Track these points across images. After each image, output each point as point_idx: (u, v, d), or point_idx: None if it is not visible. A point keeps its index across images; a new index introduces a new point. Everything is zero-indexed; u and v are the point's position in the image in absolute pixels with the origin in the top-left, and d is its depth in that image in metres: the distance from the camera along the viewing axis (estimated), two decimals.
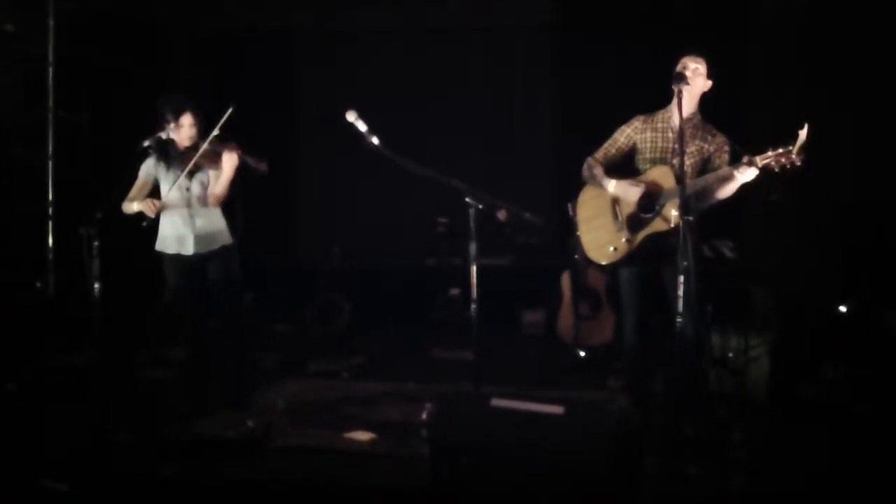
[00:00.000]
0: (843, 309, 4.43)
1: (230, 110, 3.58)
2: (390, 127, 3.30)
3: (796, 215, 4.88)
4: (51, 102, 5.43)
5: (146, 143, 3.53)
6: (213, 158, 3.68)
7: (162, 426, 3.56)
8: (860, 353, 4.24)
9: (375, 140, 3.18)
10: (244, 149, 3.69)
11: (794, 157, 3.07)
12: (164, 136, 3.56)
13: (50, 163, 5.42)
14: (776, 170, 3.13)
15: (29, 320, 4.95)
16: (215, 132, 3.62)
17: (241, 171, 3.70)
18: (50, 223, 5.38)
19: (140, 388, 4.54)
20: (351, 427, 3.69)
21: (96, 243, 3.37)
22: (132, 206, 3.66)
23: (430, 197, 5.18)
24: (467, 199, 3.14)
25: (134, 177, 3.72)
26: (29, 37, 5.33)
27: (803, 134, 3.04)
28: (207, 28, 6.83)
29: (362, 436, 3.59)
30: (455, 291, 6.23)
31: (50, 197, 5.41)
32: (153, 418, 3.74)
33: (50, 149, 5.44)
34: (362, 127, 3.18)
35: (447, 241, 6.29)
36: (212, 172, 3.75)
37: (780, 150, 3.09)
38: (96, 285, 3.39)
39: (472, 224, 3.16)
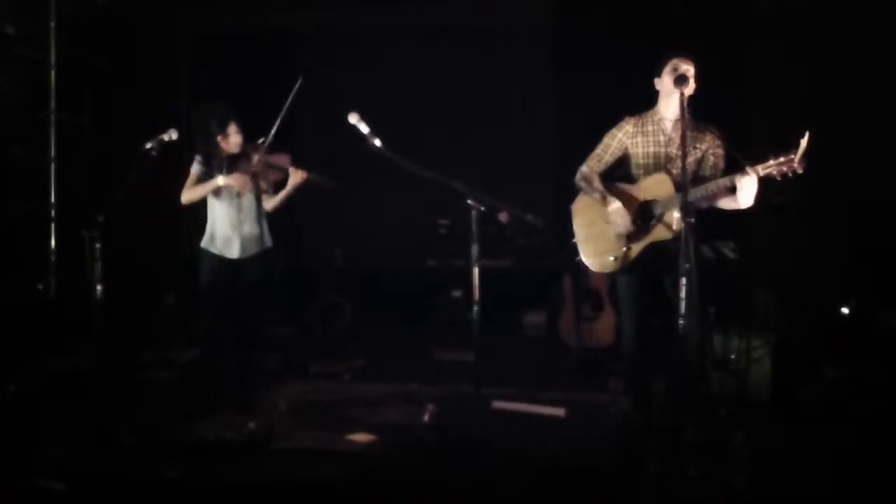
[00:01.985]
0: (845, 311, 4.43)
1: (280, 119, 3.68)
2: (391, 127, 3.31)
3: (798, 216, 4.86)
4: (52, 105, 5.44)
5: (148, 146, 3.55)
6: (268, 169, 3.83)
7: (163, 428, 3.56)
8: (862, 354, 4.24)
9: (377, 142, 3.19)
10: (290, 159, 3.85)
11: (795, 164, 3.04)
12: (166, 138, 3.58)
13: (52, 165, 5.43)
14: (778, 178, 3.10)
15: (30, 322, 4.95)
16: (268, 141, 3.75)
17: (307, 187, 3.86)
18: (52, 225, 5.39)
19: (142, 389, 4.54)
20: (352, 429, 3.69)
21: (98, 246, 3.37)
22: (212, 183, 3.73)
23: (431, 198, 5.17)
24: (469, 201, 3.14)
25: (134, 178, 3.73)
26: (30, 39, 5.33)
27: (805, 141, 3.01)
28: (208, 28, 6.83)
29: (363, 438, 3.59)
30: (456, 293, 6.23)
31: (52, 199, 5.42)
32: (155, 420, 3.74)
33: (52, 151, 5.44)
34: (364, 129, 3.18)
35: (449, 243, 6.28)
36: (262, 180, 3.88)
37: (782, 159, 3.06)
38: (98, 288, 3.40)
39: (473, 226, 3.17)
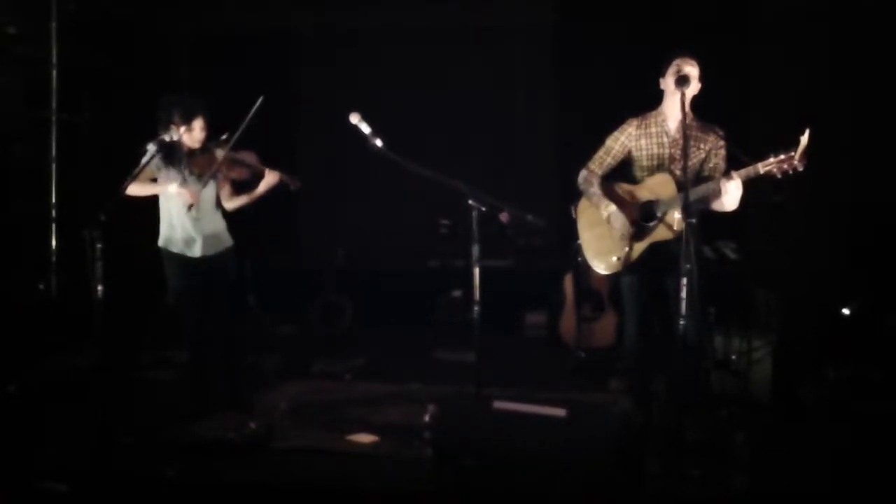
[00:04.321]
0: (846, 311, 4.43)
1: (250, 116, 3.60)
2: (391, 127, 3.30)
3: (799, 216, 4.88)
4: (53, 104, 5.45)
5: (149, 145, 3.54)
6: (232, 165, 3.75)
7: (164, 427, 3.56)
8: (862, 354, 4.24)
9: (379, 142, 3.19)
10: (257, 158, 3.78)
11: (796, 162, 3.06)
12: (167, 138, 3.57)
13: (52, 165, 5.44)
14: (778, 176, 3.11)
15: (31, 322, 4.96)
16: (236, 136, 3.66)
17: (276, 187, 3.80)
18: (52, 225, 5.39)
19: (142, 389, 4.54)
20: (353, 429, 3.69)
21: (99, 245, 3.37)
22: (164, 188, 3.66)
23: (432, 198, 5.17)
24: (470, 201, 3.14)
25: (135, 178, 3.72)
26: (31, 39, 5.34)
27: (805, 139, 3.03)
28: (208, 28, 6.83)
29: (364, 438, 3.59)
30: (457, 293, 6.23)
31: (52, 198, 5.43)
32: (155, 420, 3.74)
33: (52, 150, 5.45)
34: (365, 129, 3.18)
35: (449, 243, 6.29)
36: (223, 177, 3.81)
37: (783, 157, 3.08)
38: (99, 287, 3.39)
39: (474, 226, 3.17)
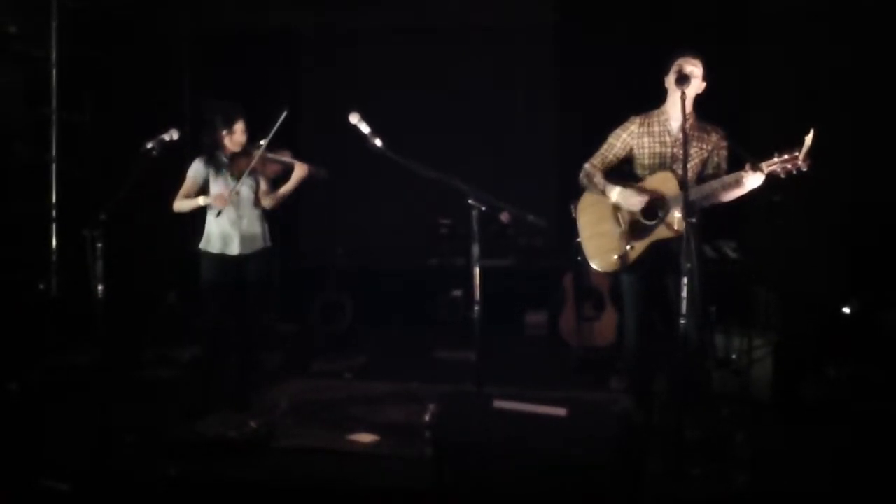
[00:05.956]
0: (846, 310, 4.43)
1: (283, 115, 3.71)
2: (391, 127, 3.31)
3: (800, 215, 4.87)
4: (54, 103, 5.45)
5: (149, 145, 3.55)
6: (268, 164, 3.86)
7: (165, 426, 3.57)
8: (863, 353, 4.25)
9: (378, 142, 3.19)
10: (292, 154, 3.90)
11: (800, 162, 3.05)
12: (167, 138, 3.57)
13: (53, 163, 5.44)
14: (782, 176, 3.11)
15: (32, 321, 4.96)
16: (269, 138, 3.75)
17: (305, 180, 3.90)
18: (53, 224, 5.39)
19: (142, 388, 4.54)
20: (354, 427, 3.69)
21: (100, 245, 3.37)
22: (195, 202, 3.78)
23: (432, 198, 5.18)
24: (470, 201, 3.14)
25: (136, 177, 3.73)
26: (32, 37, 5.34)
27: (809, 139, 3.02)
28: (207, 28, 6.84)
29: (364, 437, 3.59)
30: (458, 292, 6.23)
31: (53, 197, 5.43)
32: (156, 418, 3.74)
33: (53, 149, 5.45)
34: (365, 129, 3.18)
35: (450, 242, 6.29)
36: (261, 177, 3.91)
37: (787, 157, 3.07)
38: (99, 286, 3.40)
39: (474, 225, 3.17)
